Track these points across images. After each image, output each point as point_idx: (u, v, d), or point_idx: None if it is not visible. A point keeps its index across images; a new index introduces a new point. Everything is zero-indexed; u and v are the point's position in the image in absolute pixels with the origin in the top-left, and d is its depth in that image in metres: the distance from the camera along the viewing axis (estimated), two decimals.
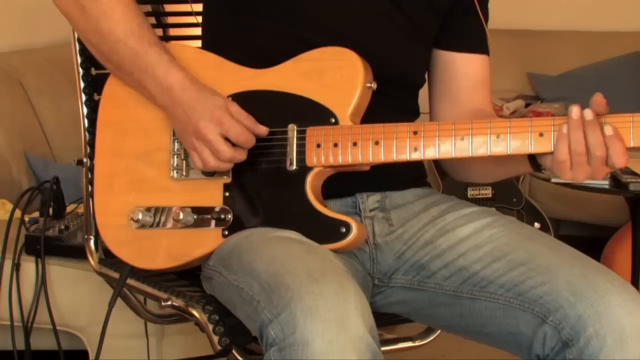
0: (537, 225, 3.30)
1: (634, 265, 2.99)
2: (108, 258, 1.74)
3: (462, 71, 1.62)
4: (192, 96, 1.45)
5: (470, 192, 3.38)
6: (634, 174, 2.80)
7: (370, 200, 1.56)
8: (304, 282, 1.24)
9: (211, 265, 1.49)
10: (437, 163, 3.45)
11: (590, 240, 2.96)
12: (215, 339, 1.47)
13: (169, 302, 1.55)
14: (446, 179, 3.39)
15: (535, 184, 3.63)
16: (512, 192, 3.41)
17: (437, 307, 1.50)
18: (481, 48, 1.63)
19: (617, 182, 2.81)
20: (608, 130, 1.32)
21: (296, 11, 1.52)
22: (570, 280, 1.34)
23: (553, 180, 2.77)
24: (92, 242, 1.75)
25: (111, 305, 1.62)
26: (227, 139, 1.43)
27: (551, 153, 1.37)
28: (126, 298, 1.79)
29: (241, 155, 1.45)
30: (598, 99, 1.34)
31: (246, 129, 1.44)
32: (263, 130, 1.45)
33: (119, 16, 1.48)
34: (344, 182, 1.52)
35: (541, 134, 1.36)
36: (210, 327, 1.48)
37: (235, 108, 1.44)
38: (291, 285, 1.24)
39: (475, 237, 1.48)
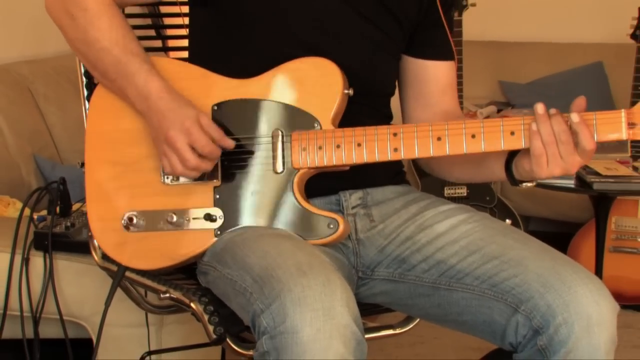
0: (508, 221, 3.29)
1: (597, 258, 2.99)
2: None
3: (433, 76, 1.63)
4: (167, 105, 1.43)
5: (447, 191, 3.37)
6: (597, 174, 2.80)
7: (352, 198, 1.55)
8: (293, 275, 1.23)
9: (206, 261, 1.48)
10: (416, 165, 3.45)
11: (557, 236, 2.95)
12: (211, 328, 1.46)
13: (167, 295, 1.55)
14: (424, 179, 3.38)
15: (507, 183, 3.61)
16: (485, 191, 3.40)
17: (417, 297, 1.49)
18: (449, 55, 1.64)
19: (582, 182, 2.82)
20: (575, 118, 1.34)
21: (279, 29, 1.51)
22: (540, 273, 1.34)
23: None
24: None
25: (108, 303, 1.61)
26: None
27: (521, 150, 1.39)
28: (128, 290, 1.78)
29: (206, 165, 1.43)
30: (580, 101, 1.36)
31: (213, 141, 1.42)
32: (229, 143, 1.44)
33: (105, 26, 1.47)
34: (328, 181, 1.51)
35: (512, 133, 1.38)
36: (206, 317, 1.47)
37: (205, 121, 1.42)
38: (281, 278, 1.24)
39: (452, 233, 1.48)
